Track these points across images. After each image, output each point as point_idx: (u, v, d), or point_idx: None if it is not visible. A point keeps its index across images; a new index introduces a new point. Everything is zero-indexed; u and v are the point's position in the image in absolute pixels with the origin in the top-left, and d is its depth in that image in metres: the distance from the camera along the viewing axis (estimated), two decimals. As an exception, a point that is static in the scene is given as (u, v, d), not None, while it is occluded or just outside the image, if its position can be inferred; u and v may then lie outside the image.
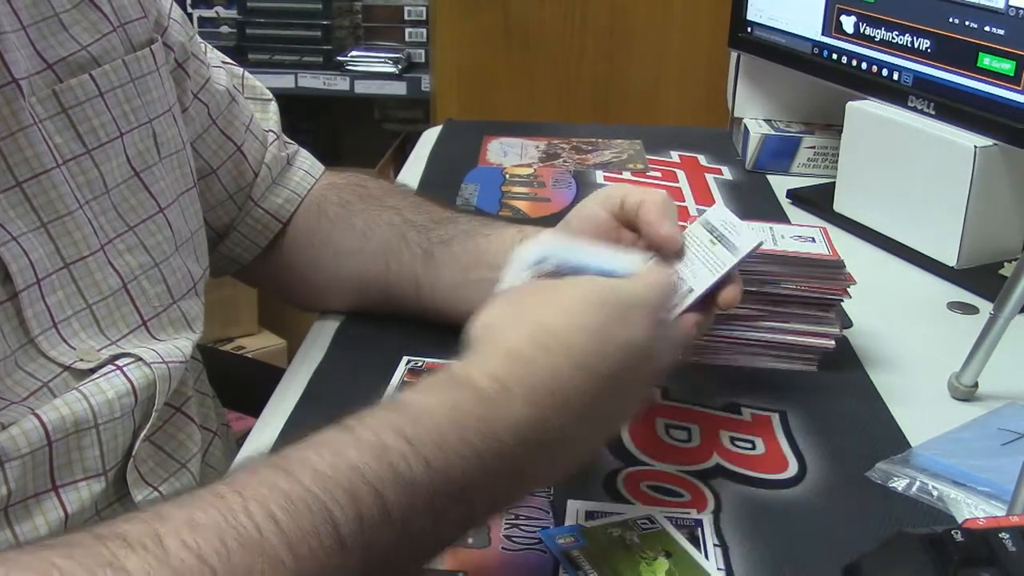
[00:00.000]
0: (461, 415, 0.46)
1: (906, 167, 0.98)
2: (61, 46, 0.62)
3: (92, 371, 0.60)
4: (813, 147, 1.20)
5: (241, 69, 0.85)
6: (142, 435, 0.62)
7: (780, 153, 1.20)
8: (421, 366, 0.74)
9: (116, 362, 0.61)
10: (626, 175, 1.18)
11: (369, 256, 0.80)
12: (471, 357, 0.50)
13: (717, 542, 0.57)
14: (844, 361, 0.77)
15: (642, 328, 0.52)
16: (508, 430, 0.46)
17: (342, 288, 0.82)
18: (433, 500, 0.43)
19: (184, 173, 0.72)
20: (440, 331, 0.78)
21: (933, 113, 0.95)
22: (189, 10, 2.18)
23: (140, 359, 0.62)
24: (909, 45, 0.97)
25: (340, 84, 2.12)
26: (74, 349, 0.60)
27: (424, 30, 2.17)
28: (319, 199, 0.83)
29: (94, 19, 0.64)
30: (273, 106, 0.86)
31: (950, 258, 0.93)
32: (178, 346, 0.66)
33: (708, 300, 0.61)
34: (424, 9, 2.16)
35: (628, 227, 0.66)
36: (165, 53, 0.71)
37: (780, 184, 1.16)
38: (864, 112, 1.03)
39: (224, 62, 0.82)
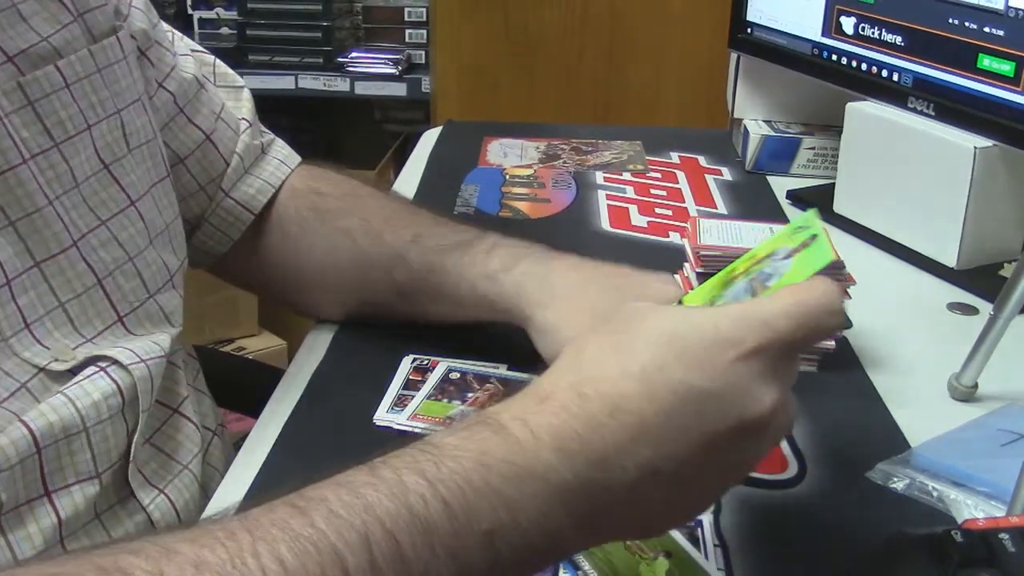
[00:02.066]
0: (487, 457, 0.42)
1: (906, 168, 0.98)
2: (21, 37, 0.59)
3: (72, 372, 0.59)
4: (813, 148, 1.20)
5: (212, 57, 0.83)
6: (136, 436, 0.61)
7: (780, 154, 1.20)
8: (426, 364, 0.74)
9: (95, 364, 0.60)
10: (626, 176, 1.18)
11: (344, 289, 0.80)
12: (509, 399, 0.46)
13: (717, 542, 0.57)
14: (844, 361, 0.77)
15: (712, 369, 0.44)
16: (534, 477, 0.42)
17: (325, 299, 0.82)
18: (453, 545, 0.40)
19: (156, 163, 0.70)
20: (441, 329, 0.79)
21: (933, 114, 0.95)
22: (189, 11, 2.19)
23: (116, 361, 0.61)
24: (909, 46, 0.97)
25: (340, 85, 2.12)
26: (48, 349, 0.59)
27: (424, 31, 2.17)
28: (281, 212, 0.81)
29: (53, 10, 0.62)
30: (246, 93, 0.84)
31: (950, 259, 0.93)
32: (156, 341, 0.65)
33: None
34: (424, 10, 2.16)
35: None
36: (130, 41, 0.69)
37: (780, 185, 1.17)
38: (864, 113, 1.03)
39: (193, 50, 0.80)
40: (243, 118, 0.81)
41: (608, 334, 0.46)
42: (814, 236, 0.52)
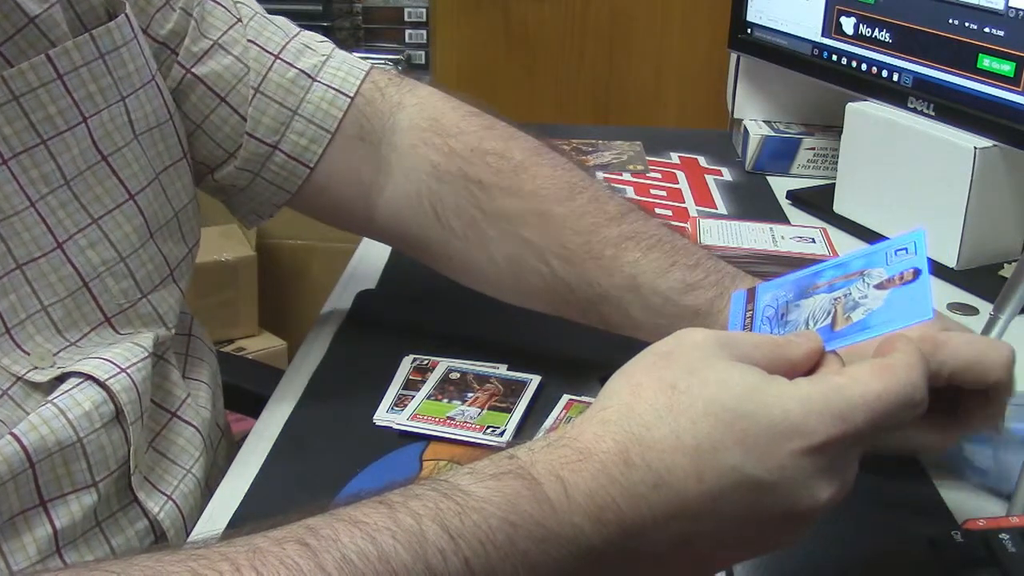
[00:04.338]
0: (514, 514, 0.40)
1: (906, 168, 0.98)
2: (6, 19, 0.56)
3: (58, 381, 0.57)
4: (813, 148, 1.20)
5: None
6: (133, 446, 0.60)
7: (780, 154, 1.20)
8: (426, 364, 0.74)
9: (75, 377, 0.58)
10: (626, 176, 1.18)
11: (519, 299, 0.72)
12: (544, 442, 0.43)
13: (717, 542, 0.57)
14: (844, 362, 0.77)
15: (770, 459, 0.41)
16: (562, 542, 0.40)
17: (504, 298, 0.73)
18: None
19: (170, 146, 0.66)
20: (441, 329, 0.79)
21: (933, 114, 0.95)
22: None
23: (91, 378, 0.58)
24: (909, 46, 0.97)
25: (340, 85, 2.11)
26: (28, 355, 0.57)
27: (424, 31, 2.17)
28: (424, 191, 0.71)
29: None
30: (246, 9, 0.72)
31: (950, 259, 0.93)
32: (138, 342, 0.62)
33: None
34: (424, 11, 2.16)
35: None
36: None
37: (780, 185, 1.17)
38: (864, 113, 1.03)
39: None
40: (253, 41, 0.70)
41: (667, 387, 0.43)
42: (917, 272, 0.48)
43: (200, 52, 0.69)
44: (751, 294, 0.54)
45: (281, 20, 0.74)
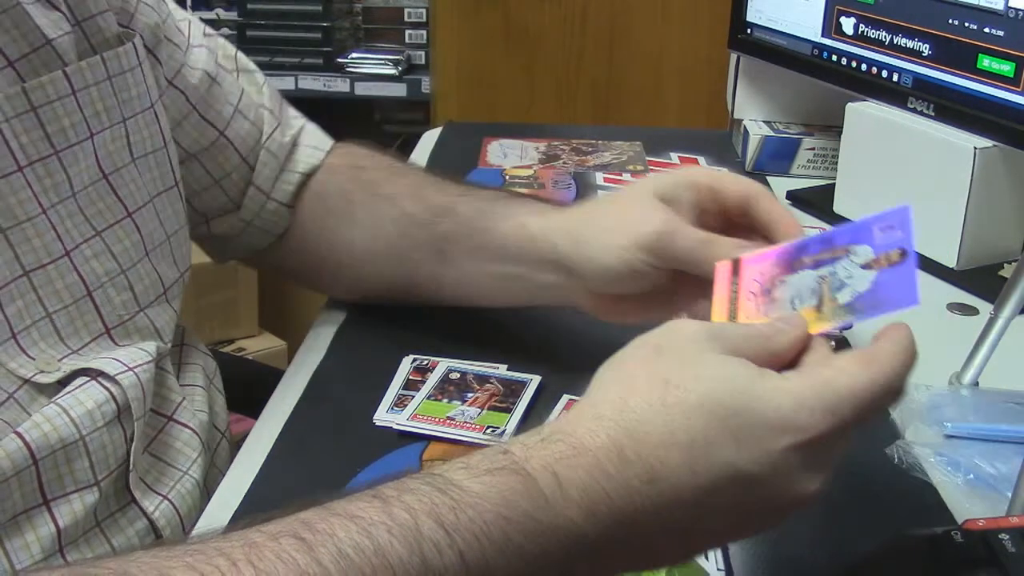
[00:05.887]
0: (509, 508, 0.40)
1: (906, 168, 0.98)
2: (24, 39, 0.58)
3: (60, 384, 0.58)
4: (813, 148, 1.20)
5: (223, 40, 0.81)
6: (133, 444, 0.61)
7: (780, 154, 1.20)
8: (426, 364, 0.74)
9: (82, 375, 0.59)
10: (626, 176, 1.18)
11: (382, 259, 0.78)
12: (538, 437, 0.43)
13: (717, 542, 0.57)
14: (844, 362, 0.77)
15: (763, 455, 0.42)
16: (557, 535, 0.41)
17: (363, 286, 0.82)
18: None
19: (163, 172, 0.69)
20: (441, 329, 0.79)
21: (933, 114, 0.95)
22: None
23: (103, 373, 0.60)
24: (909, 47, 0.97)
25: (340, 86, 2.12)
26: (33, 360, 0.58)
27: (424, 32, 2.17)
28: (320, 190, 0.80)
29: (54, 17, 0.61)
30: (260, 77, 0.82)
31: (950, 259, 0.93)
32: (143, 347, 0.64)
33: None
34: (424, 11, 2.16)
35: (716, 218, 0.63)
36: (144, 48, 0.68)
37: (780, 185, 1.16)
38: (864, 114, 1.03)
39: (207, 33, 0.78)
40: (264, 106, 0.80)
41: (660, 381, 0.44)
42: (903, 253, 0.47)
43: (228, 116, 0.77)
44: (735, 267, 0.55)
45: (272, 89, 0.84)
